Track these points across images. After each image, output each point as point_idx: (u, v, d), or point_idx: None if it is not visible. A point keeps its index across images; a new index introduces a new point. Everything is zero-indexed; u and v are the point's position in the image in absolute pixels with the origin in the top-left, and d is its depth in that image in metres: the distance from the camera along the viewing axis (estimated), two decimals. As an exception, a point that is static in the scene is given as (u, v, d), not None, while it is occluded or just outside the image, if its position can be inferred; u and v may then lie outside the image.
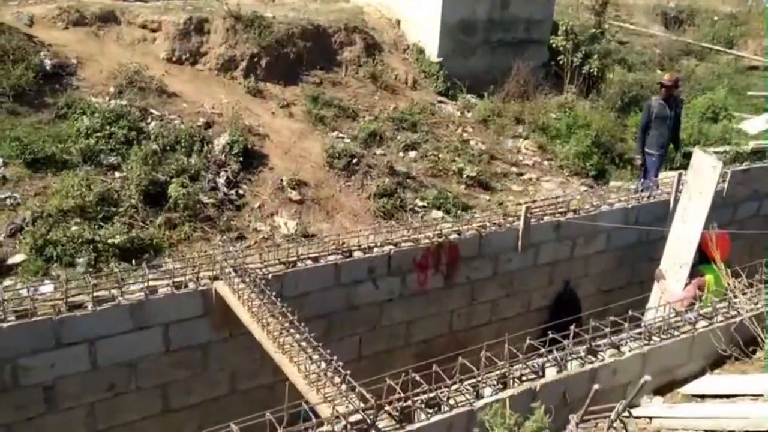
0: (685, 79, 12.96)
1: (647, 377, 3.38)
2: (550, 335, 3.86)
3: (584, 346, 3.95)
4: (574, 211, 6.23)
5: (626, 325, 4.06)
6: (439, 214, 8.07)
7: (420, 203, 8.31)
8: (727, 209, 7.29)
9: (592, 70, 10.84)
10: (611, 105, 11.11)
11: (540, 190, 9.20)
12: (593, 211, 6.28)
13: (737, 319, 4.55)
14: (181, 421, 4.82)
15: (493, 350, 3.56)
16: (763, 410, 3.60)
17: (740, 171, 7.12)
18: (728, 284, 5.09)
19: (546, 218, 6.07)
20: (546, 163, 9.82)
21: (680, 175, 6.57)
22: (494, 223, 5.83)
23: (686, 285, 5.62)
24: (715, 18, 15.65)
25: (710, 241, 5.39)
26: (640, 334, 4.16)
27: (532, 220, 5.93)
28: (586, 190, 8.92)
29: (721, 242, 5.52)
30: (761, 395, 3.84)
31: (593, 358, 3.92)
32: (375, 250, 5.22)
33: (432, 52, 10.54)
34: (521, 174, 9.46)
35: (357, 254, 5.16)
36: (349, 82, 10.11)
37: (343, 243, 5.36)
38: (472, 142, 9.71)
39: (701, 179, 5.65)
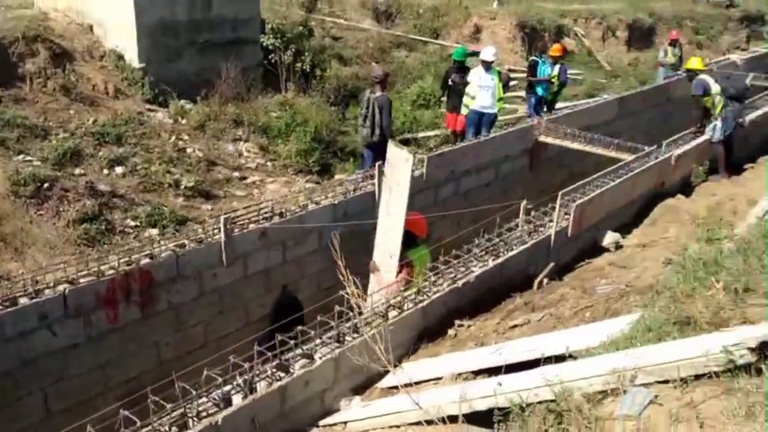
0: (397, 69, 13.78)
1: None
2: (278, 338, 3.74)
3: (272, 363, 3.77)
4: (281, 214, 6.09)
5: (315, 331, 3.98)
6: (155, 231, 7.46)
7: (132, 223, 7.61)
8: (430, 192, 7.78)
9: (305, 67, 10.91)
10: (330, 100, 11.34)
11: (265, 193, 9.02)
12: (299, 212, 6.20)
13: (425, 303, 4.75)
14: None
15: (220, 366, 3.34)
16: (444, 394, 3.73)
17: (435, 156, 7.62)
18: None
19: (251, 226, 5.84)
20: (270, 164, 9.67)
21: (379, 166, 6.79)
22: (193, 240, 5.44)
23: (398, 273, 5.83)
24: (420, 11, 16.88)
25: (407, 224, 5.64)
26: (330, 338, 4.12)
27: (235, 230, 5.66)
28: (311, 187, 8.93)
29: (416, 222, 5.80)
30: (441, 378, 4.02)
31: (282, 375, 3.76)
32: (47, 291, 4.52)
33: (132, 58, 9.74)
34: (244, 178, 9.19)
35: (23, 300, 4.42)
36: (36, 98, 8.90)
37: (37, 282, 4.59)
38: (189, 150, 9.18)
39: (397, 172, 5.87)
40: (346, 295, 4.04)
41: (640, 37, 19.61)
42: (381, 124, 8.78)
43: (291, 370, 3.80)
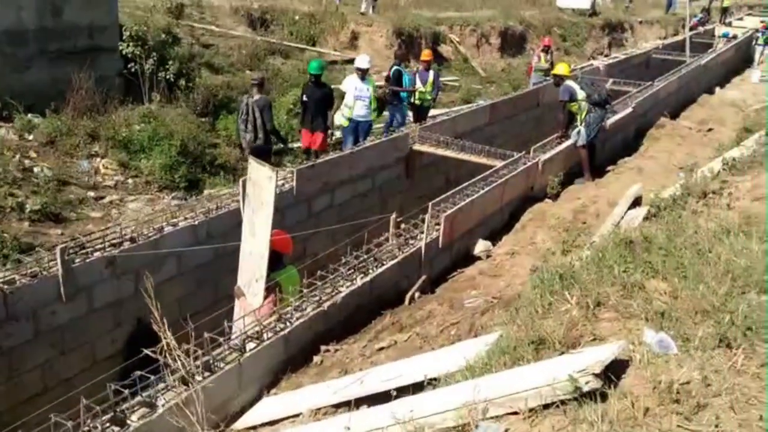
0: (272, 77, 13.37)
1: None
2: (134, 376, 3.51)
3: (106, 416, 3.34)
4: (131, 239, 5.57)
5: (152, 378, 3.59)
6: (-7, 263, 6.66)
7: (-37, 255, 6.75)
8: (303, 206, 7.49)
9: (168, 77, 10.28)
10: (198, 110, 10.76)
11: (125, 212, 8.35)
12: (154, 235, 5.71)
13: (287, 330, 4.46)
14: None
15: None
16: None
17: (306, 168, 7.34)
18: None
19: (96, 254, 5.29)
20: (131, 180, 8.99)
21: (243, 182, 6.42)
22: (26, 275, 4.83)
23: (265, 298, 5.47)
24: (296, 17, 16.54)
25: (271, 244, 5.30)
26: (175, 380, 3.73)
27: (77, 260, 5.10)
28: (177, 204, 8.36)
29: (281, 241, 5.47)
30: (300, 414, 3.74)
31: (117, 429, 3.33)
32: None
33: (-30, 68, 8.74)
34: (101, 198, 8.47)
35: None
36: None
37: None
38: (36, 169, 8.34)
39: (261, 191, 5.52)
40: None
41: (513, 43, 20.32)
42: (264, 127, 8.50)
43: (128, 423, 3.38)
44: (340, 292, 4.96)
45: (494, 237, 7.26)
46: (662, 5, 30.85)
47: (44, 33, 9.38)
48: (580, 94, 8.92)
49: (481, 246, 6.84)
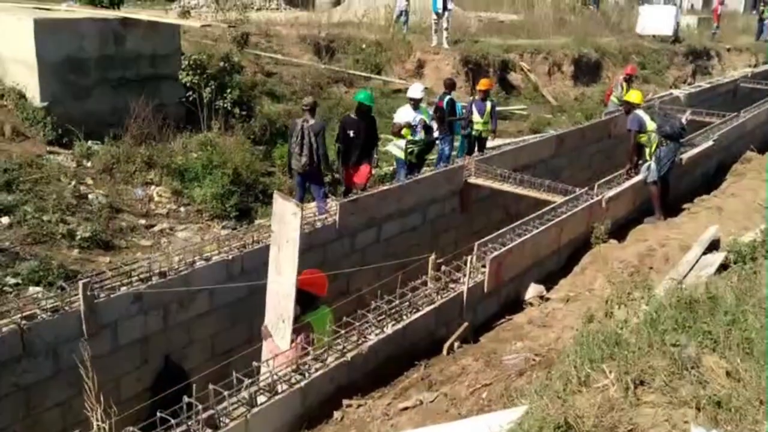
0: (334, 105, 13.28)
1: None
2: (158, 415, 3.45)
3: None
4: (162, 273, 5.41)
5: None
6: (39, 289, 6.69)
7: (12, 281, 6.81)
8: (346, 240, 7.19)
9: (225, 105, 10.31)
10: (255, 138, 10.74)
11: (175, 242, 8.31)
12: (185, 270, 5.53)
13: (303, 383, 4.12)
14: None
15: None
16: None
17: (348, 202, 7.05)
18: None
19: (123, 289, 5.15)
20: (183, 209, 8.98)
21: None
22: (47, 309, 4.72)
23: (293, 341, 5.17)
24: (363, 46, 16.49)
25: (304, 284, 5.00)
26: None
27: (101, 294, 4.96)
28: (227, 234, 8.25)
29: (314, 282, 5.16)
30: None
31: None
32: None
33: (35, 96, 9.02)
34: (152, 226, 8.47)
35: None
36: None
37: None
38: (91, 196, 8.45)
39: (285, 227, 5.25)
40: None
41: (587, 71, 19.55)
42: (317, 151, 8.32)
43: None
44: (368, 340, 4.59)
45: (550, 280, 6.71)
46: (752, 31, 29.11)
47: (106, 61, 9.58)
48: (650, 125, 8.27)
49: (532, 291, 6.31)
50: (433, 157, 11.08)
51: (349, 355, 4.38)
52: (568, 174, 11.46)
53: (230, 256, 5.87)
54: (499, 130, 15.16)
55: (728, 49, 25.88)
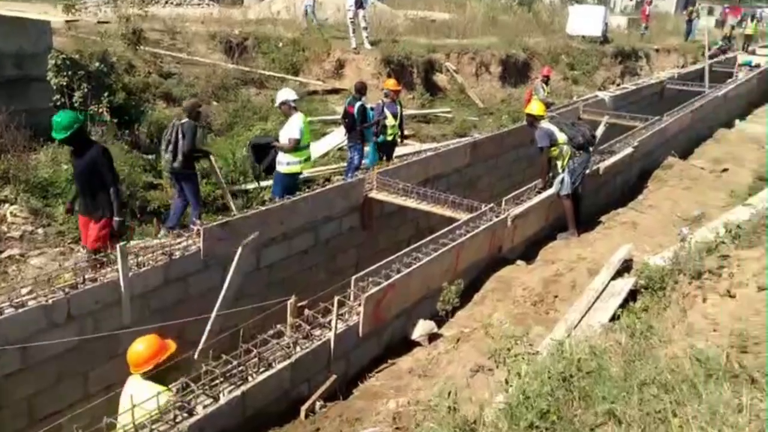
0: (240, 109, 12.28)
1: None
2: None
3: None
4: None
5: None
6: None
7: None
8: (215, 270, 6.22)
9: (101, 110, 9.17)
10: (140, 146, 9.64)
11: (26, 270, 7.19)
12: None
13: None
14: None
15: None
16: None
17: (216, 226, 6.09)
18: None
19: None
20: (41, 230, 7.83)
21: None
22: None
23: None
24: (280, 44, 15.48)
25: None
26: None
27: None
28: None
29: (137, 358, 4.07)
30: None
31: None
32: None
33: None
34: (0, 252, 7.32)
35: None
36: None
37: None
38: (-73, 219, 7.24)
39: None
40: None
41: (515, 72, 19.04)
42: (182, 148, 7.90)
43: None
44: (193, 415, 3.66)
45: (448, 311, 5.93)
46: (681, 32, 29.36)
47: (-38, 62, 8.37)
48: (561, 137, 7.57)
49: (420, 328, 5.49)
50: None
51: (158, 441, 3.45)
52: (485, 183, 10.77)
53: (50, 301, 4.83)
54: (422, 134, 14.54)
55: (657, 50, 25.94)
